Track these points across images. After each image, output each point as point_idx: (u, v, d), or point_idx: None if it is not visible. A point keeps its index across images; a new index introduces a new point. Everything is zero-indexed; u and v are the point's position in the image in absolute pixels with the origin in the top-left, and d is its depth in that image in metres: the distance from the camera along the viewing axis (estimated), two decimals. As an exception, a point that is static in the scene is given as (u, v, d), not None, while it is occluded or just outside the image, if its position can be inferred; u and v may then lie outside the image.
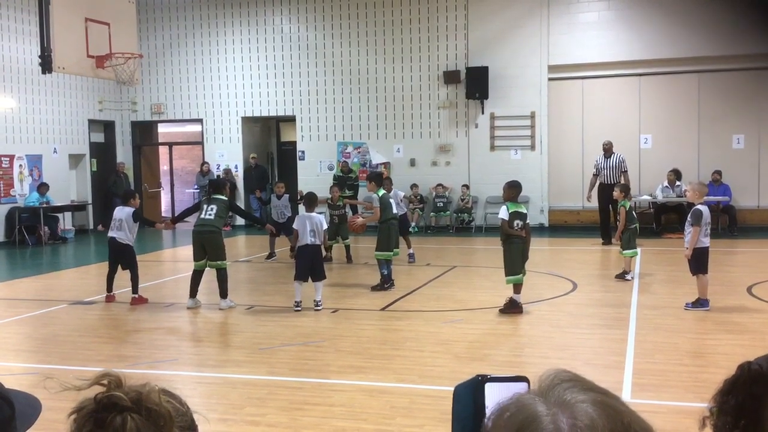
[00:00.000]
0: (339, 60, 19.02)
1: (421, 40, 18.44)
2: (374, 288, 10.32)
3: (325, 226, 9.32)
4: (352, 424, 5.16)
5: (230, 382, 6.33)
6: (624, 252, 10.77)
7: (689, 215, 8.59)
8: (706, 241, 8.52)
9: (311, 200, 9.52)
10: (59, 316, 9.27)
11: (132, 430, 1.06)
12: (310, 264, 9.14)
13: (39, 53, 11.83)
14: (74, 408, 1.10)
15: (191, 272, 9.64)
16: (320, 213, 9.51)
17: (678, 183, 16.19)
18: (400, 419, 5.25)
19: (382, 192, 10.60)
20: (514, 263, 8.58)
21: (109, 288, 10.06)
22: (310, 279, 9.16)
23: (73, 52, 12.14)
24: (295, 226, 9.27)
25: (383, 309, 9.19)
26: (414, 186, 18.08)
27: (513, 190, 8.69)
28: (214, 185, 10.06)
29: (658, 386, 5.90)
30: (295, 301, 9.12)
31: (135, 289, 9.87)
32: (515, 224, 8.54)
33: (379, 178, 10.94)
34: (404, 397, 5.75)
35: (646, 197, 16.65)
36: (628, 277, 10.61)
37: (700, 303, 8.57)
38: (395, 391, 5.92)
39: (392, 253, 10.51)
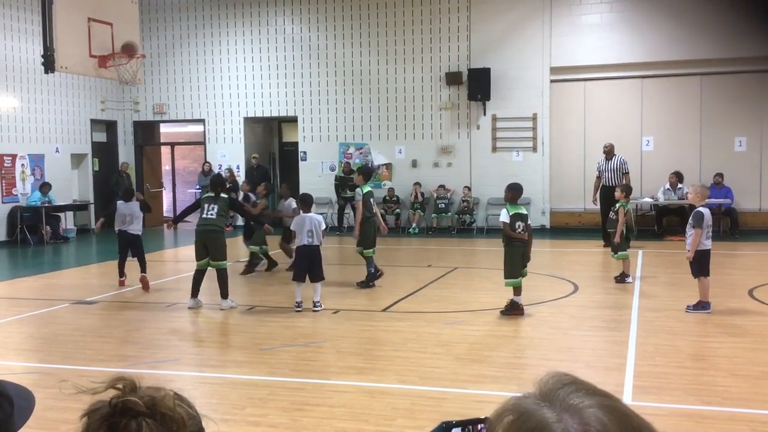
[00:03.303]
0: (341, 61, 19.03)
1: (423, 41, 18.45)
2: (361, 285, 10.50)
3: (324, 226, 9.34)
4: (353, 425, 5.16)
5: (231, 382, 6.33)
6: (618, 255, 10.73)
7: (690, 217, 8.60)
8: (707, 244, 8.52)
9: (307, 201, 9.55)
10: (61, 315, 9.28)
11: None
12: (308, 265, 9.16)
13: (41, 53, 11.82)
14: (86, 410, 1.10)
15: (193, 272, 9.67)
16: (321, 213, 9.54)
17: (680, 185, 16.17)
18: (401, 420, 5.25)
19: (367, 189, 10.73)
20: (514, 266, 8.58)
21: (121, 273, 11.23)
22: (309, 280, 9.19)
23: (76, 52, 12.13)
24: (292, 227, 9.29)
25: (384, 310, 9.19)
26: (416, 184, 18.11)
27: (513, 193, 8.69)
28: (213, 183, 10.08)
29: (659, 389, 5.90)
30: (296, 302, 9.14)
31: (144, 269, 11.05)
32: (517, 226, 8.54)
33: (369, 174, 11.14)
34: (405, 398, 5.75)
35: (647, 199, 16.64)
36: (629, 279, 10.59)
37: (702, 306, 8.56)
38: (396, 392, 5.92)
39: (372, 250, 10.65)
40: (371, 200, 10.74)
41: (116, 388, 1.11)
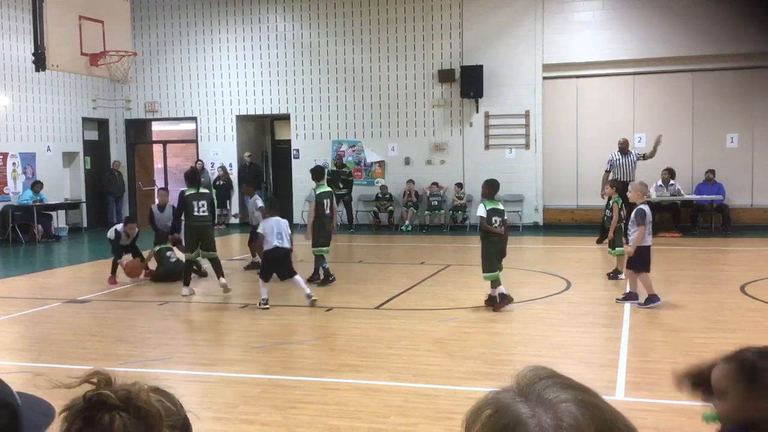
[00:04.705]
0: (334, 58, 19.00)
1: (415, 38, 18.43)
2: (320, 284, 10.52)
3: (289, 231, 9.37)
4: (347, 423, 5.16)
5: (224, 380, 6.32)
6: (616, 251, 10.76)
7: (633, 215, 8.85)
8: (648, 240, 8.76)
9: (274, 204, 9.65)
10: (53, 314, 9.24)
11: (119, 428, 1.07)
12: (279, 266, 9.24)
13: (32, 51, 11.77)
14: (65, 406, 1.11)
15: (184, 263, 10.04)
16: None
17: (672, 182, 16.22)
18: (395, 418, 5.25)
19: (322, 189, 10.83)
20: (491, 260, 8.74)
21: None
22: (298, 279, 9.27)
23: (67, 50, 12.09)
24: (260, 230, 9.31)
25: (377, 307, 9.19)
26: (410, 181, 18.12)
27: (489, 188, 8.88)
28: (193, 179, 10.38)
29: (651, 384, 5.91)
30: (262, 299, 9.16)
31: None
32: (494, 221, 8.68)
33: (320, 174, 11.11)
34: (398, 395, 5.75)
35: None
36: (621, 276, 10.61)
37: (652, 299, 8.67)
38: (389, 389, 5.92)
39: (325, 249, 10.70)
40: (326, 200, 10.75)
41: (91, 382, 1.12)
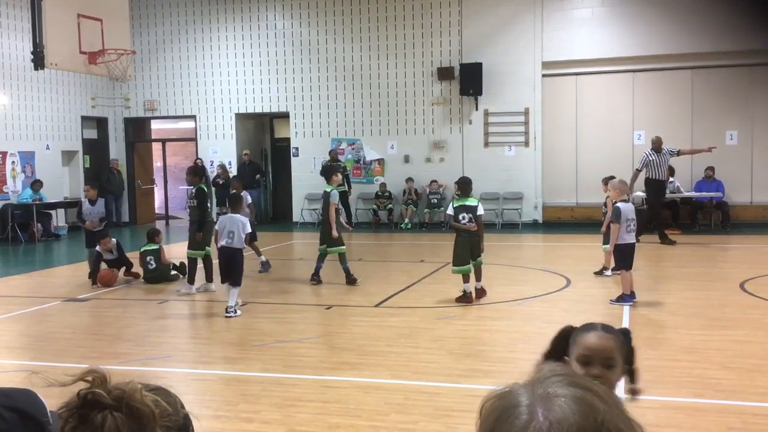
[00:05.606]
0: (333, 56, 18.99)
1: (414, 36, 18.42)
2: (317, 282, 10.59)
3: (248, 229, 9.03)
4: (347, 421, 5.16)
5: (224, 378, 6.32)
6: (607, 246, 10.77)
7: (611, 213, 8.91)
8: (628, 238, 8.76)
9: (231, 201, 9.43)
10: (52, 313, 9.24)
11: (111, 428, 1.06)
12: (223, 267, 9.01)
13: (31, 49, 11.76)
14: (63, 404, 1.11)
15: (188, 261, 10.28)
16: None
17: (671, 179, 16.19)
18: (395, 416, 5.25)
19: (328, 188, 10.61)
20: (461, 255, 8.94)
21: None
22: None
23: (66, 48, 12.08)
24: (217, 226, 9.21)
25: (377, 305, 9.19)
26: (409, 179, 18.12)
27: (460, 186, 9.21)
28: (202, 174, 10.56)
29: (651, 381, 5.89)
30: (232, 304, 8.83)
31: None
32: (460, 218, 8.88)
33: (329, 173, 10.98)
34: (398, 393, 5.75)
35: (639, 194, 16.64)
36: (608, 272, 10.62)
37: (623, 298, 8.67)
38: (389, 387, 5.92)
39: (321, 247, 10.54)
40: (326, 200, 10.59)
41: (86, 380, 1.11)
